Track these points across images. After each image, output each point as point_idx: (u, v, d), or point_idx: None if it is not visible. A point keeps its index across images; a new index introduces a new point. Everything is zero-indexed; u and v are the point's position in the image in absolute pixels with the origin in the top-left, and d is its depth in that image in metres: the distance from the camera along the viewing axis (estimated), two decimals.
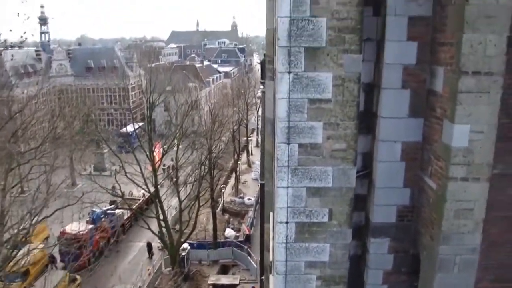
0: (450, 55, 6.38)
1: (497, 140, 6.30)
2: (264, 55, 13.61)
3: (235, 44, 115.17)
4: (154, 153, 35.18)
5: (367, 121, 7.54)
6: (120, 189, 32.10)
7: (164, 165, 40.44)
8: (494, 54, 6.08)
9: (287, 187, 6.32)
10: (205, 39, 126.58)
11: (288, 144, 6.09)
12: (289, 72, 5.82)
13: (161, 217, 31.93)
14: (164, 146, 37.28)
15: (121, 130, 61.02)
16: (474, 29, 5.98)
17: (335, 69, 5.83)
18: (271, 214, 11.73)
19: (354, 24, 5.75)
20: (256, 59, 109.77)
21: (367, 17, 7.05)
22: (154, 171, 32.00)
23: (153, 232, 32.26)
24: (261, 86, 15.22)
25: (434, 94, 6.89)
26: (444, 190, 6.45)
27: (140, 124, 58.09)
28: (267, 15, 12.16)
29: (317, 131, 6.02)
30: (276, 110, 6.07)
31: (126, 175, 30.62)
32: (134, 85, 78.45)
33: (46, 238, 38.11)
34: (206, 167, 36.29)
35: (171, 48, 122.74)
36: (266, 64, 12.85)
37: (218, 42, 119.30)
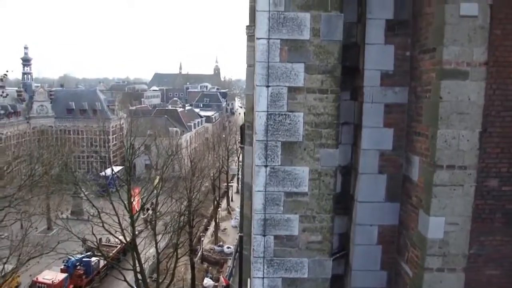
0: (425, 147, 6.49)
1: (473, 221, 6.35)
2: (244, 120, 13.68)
3: (217, 88, 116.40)
4: (133, 201, 34.67)
5: (344, 202, 7.57)
6: (96, 240, 31.37)
7: (143, 214, 39.76)
8: (467, 149, 6.22)
9: (263, 278, 6.23)
10: (188, 83, 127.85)
11: (264, 236, 6.04)
12: (266, 166, 5.83)
13: (138, 269, 31.14)
14: (144, 196, 36.74)
15: (101, 174, 60.21)
16: (448, 124, 6.13)
17: (311, 163, 5.87)
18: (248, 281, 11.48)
19: (331, 119, 5.83)
20: (238, 103, 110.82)
21: (344, 101, 7.19)
22: (132, 220, 31.41)
23: (129, 284, 31.38)
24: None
25: (410, 181, 6.95)
26: (420, 280, 6.45)
27: (120, 168, 57.43)
28: (247, 80, 12.30)
29: (293, 224, 5.99)
30: (252, 201, 6.03)
31: (103, 225, 29.94)
32: (115, 128, 78.17)
33: (17, 287, 36.80)
34: (185, 217, 35.83)
35: (153, 90, 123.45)
36: (246, 130, 12.86)
37: (201, 86, 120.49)
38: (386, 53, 6.96)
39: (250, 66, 9.44)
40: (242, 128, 14.99)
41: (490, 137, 6.73)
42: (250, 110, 11.92)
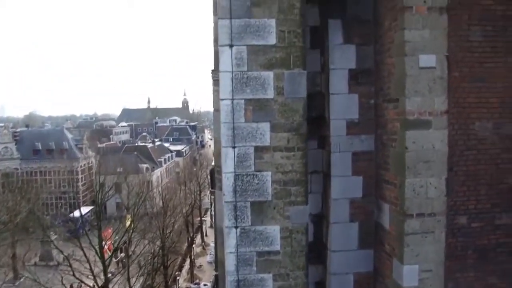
0: (394, 195, 6.52)
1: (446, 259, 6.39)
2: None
3: (187, 122, 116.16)
4: (104, 244, 33.79)
5: (317, 251, 7.50)
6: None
7: (115, 257, 38.72)
8: (435, 196, 6.28)
9: None
10: (157, 117, 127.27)
11: None
12: (236, 227, 5.73)
13: None
14: (116, 238, 35.90)
15: (70, 216, 58.72)
16: (415, 173, 6.19)
17: (282, 221, 5.80)
18: None
19: (299, 177, 5.80)
20: (207, 135, 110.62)
21: (312, 150, 7.20)
22: (104, 265, 30.56)
23: None
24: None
25: (382, 228, 6.95)
26: None
27: (90, 208, 56.23)
28: (214, 124, 12.25)
29: (267, 283, 5.87)
30: (225, 264, 5.90)
31: (73, 273, 29.03)
32: (83, 167, 76.71)
33: None
34: (159, 258, 35.11)
35: (122, 126, 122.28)
36: (216, 174, 12.73)
37: (170, 120, 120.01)
38: (351, 102, 7.04)
39: (217, 110, 9.39)
40: (212, 172, 14.90)
41: (456, 176, 6.84)
42: (218, 154, 11.85)
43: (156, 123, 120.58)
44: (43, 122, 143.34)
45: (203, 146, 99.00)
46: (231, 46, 5.56)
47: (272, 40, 5.60)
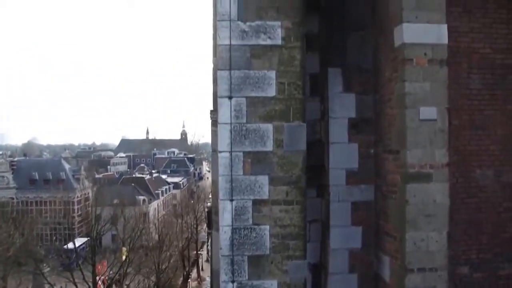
0: (394, 248, 6.38)
1: None
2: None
3: (185, 154, 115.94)
4: (98, 280, 33.21)
5: None
6: None
7: None
8: (436, 250, 6.14)
9: None
10: (155, 149, 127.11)
11: None
12: (233, 281, 5.57)
13: None
14: (110, 273, 35.31)
15: (64, 247, 57.88)
16: (416, 227, 6.07)
17: (280, 275, 5.64)
18: None
19: (297, 231, 5.67)
20: (206, 167, 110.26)
21: (311, 198, 7.09)
22: None
23: None
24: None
25: (382, 281, 6.78)
26: None
27: (85, 240, 55.48)
28: (212, 165, 12.16)
29: None
30: None
31: None
32: (80, 198, 76.13)
33: None
34: None
35: (120, 157, 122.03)
36: (213, 215, 12.56)
37: (168, 152, 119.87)
38: (350, 152, 6.97)
39: (215, 151, 9.30)
40: (209, 213, 14.74)
41: (457, 225, 6.73)
42: (214, 195, 11.72)
43: (154, 154, 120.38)
44: (41, 151, 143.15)
45: (200, 178, 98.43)
46: (230, 97, 5.52)
47: (271, 92, 5.57)
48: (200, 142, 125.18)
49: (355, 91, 6.98)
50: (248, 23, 5.57)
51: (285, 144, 5.58)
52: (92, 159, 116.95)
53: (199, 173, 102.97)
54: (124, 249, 43.74)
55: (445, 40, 6.06)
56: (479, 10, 7.49)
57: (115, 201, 63.69)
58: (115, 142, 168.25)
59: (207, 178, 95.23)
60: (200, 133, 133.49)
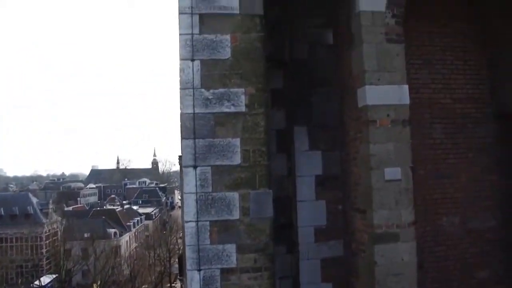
0: None
1: None
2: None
3: (156, 183, 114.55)
4: None
5: None
6: None
7: None
8: None
9: None
10: (126, 179, 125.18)
11: None
12: None
13: None
14: None
15: (31, 285, 56.07)
16: (385, 287, 6.04)
17: None
18: None
19: None
20: (177, 196, 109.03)
21: (281, 255, 7.03)
22: None
23: None
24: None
25: None
26: None
27: (54, 276, 53.90)
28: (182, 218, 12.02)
29: None
30: None
31: None
32: (48, 233, 74.01)
33: None
34: None
35: (90, 188, 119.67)
36: (184, 261, 12.38)
37: (139, 182, 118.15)
38: (318, 209, 6.99)
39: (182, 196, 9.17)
40: (180, 259, 14.51)
41: (426, 273, 6.78)
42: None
43: (125, 184, 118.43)
44: (7, 184, 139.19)
45: (173, 207, 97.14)
46: (195, 167, 5.46)
47: (237, 160, 5.53)
48: (172, 170, 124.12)
49: (321, 149, 7.03)
50: (211, 91, 5.56)
51: (251, 212, 5.52)
52: (61, 190, 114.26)
53: (171, 202, 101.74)
54: (95, 285, 42.63)
55: (406, 100, 6.17)
56: (438, 62, 7.73)
57: (85, 235, 62.22)
58: (85, 171, 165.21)
59: (179, 207, 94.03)
60: (172, 160, 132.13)
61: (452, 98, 7.81)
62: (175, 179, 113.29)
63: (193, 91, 5.51)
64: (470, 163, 7.78)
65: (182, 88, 5.53)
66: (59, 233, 70.63)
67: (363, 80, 6.08)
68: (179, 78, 5.57)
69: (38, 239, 70.79)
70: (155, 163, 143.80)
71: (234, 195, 5.50)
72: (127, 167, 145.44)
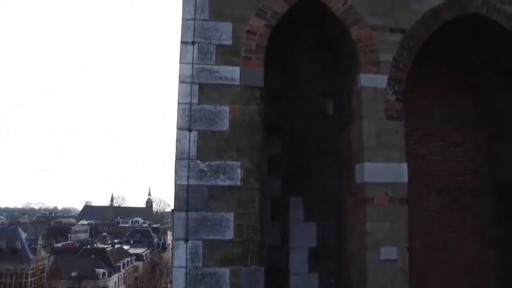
0: None
1: None
2: None
3: (149, 223, 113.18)
4: None
5: None
6: None
7: None
8: None
9: None
10: (119, 217, 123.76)
11: None
12: None
13: None
14: None
15: None
16: None
17: None
18: None
19: None
20: (170, 237, 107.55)
21: None
22: None
23: None
24: None
25: None
26: None
27: None
28: None
29: None
30: None
31: None
32: (34, 270, 72.44)
33: None
34: None
35: (82, 225, 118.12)
36: None
37: (132, 221, 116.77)
38: (311, 282, 6.77)
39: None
40: None
41: None
42: None
43: (118, 223, 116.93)
44: None
45: (164, 249, 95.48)
46: (186, 240, 5.31)
47: (229, 234, 5.39)
48: (166, 210, 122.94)
49: (317, 220, 6.87)
50: (207, 163, 5.47)
51: None
52: (52, 225, 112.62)
53: (163, 243, 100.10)
54: None
55: (405, 179, 6.09)
56: (436, 133, 7.71)
57: (73, 274, 60.94)
58: (78, 206, 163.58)
59: (172, 249, 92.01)
60: (166, 201, 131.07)
61: (450, 170, 7.76)
62: (169, 220, 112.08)
63: (189, 162, 5.43)
64: (467, 237, 7.64)
65: (177, 159, 5.45)
66: (46, 270, 69.15)
67: (362, 157, 6.01)
68: (175, 148, 5.49)
69: (24, 276, 69.23)
70: (149, 202, 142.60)
71: (225, 271, 5.34)
72: (121, 205, 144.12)
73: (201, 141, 5.48)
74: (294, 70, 7.05)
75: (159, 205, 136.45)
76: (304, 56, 7.03)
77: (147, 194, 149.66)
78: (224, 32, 5.79)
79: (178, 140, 5.46)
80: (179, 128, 5.50)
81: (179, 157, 5.45)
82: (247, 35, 5.84)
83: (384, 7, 6.42)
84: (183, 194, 5.37)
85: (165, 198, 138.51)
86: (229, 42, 5.77)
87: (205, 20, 5.78)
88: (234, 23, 5.85)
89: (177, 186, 5.40)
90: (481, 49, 7.64)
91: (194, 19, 5.75)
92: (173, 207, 5.72)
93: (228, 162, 5.49)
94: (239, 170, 5.49)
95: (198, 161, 5.45)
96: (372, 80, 6.12)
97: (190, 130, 5.49)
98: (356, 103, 6.24)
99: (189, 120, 5.50)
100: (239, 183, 5.48)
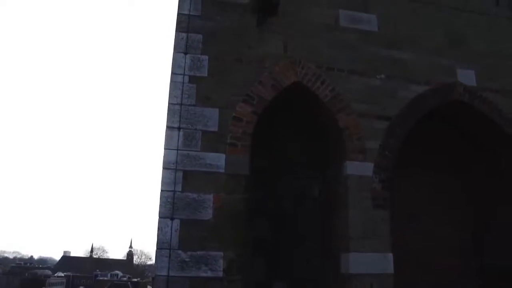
0: None
1: None
2: None
3: (129, 277, 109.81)
4: None
5: None
6: None
7: None
8: None
9: None
10: (97, 270, 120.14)
11: None
12: None
13: None
14: None
15: None
16: None
17: None
18: None
19: None
20: None
21: None
22: None
23: None
24: None
25: None
26: None
27: None
28: None
29: None
30: None
31: None
32: None
33: None
34: None
35: (58, 277, 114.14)
36: None
37: (111, 274, 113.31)
38: None
39: None
40: None
41: None
42: None
43: (96, 276, 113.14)
44: None
45: None
46: None
47: None
48: (147, 263, 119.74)
49: None
50: (189, 253, 5.30)
51: None
52: (26, 276, 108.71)
53: None
54: None
55: (391, 269, 5.95)
56: (424, 213, 7.64)
57: None
58: (56, 257, 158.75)
59: None
60: (147, 253, 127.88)
61: (437, 250, 7.64)
62: (149, 274, 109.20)
63: (170, 252, 5.25)
64: None
65: (158, 248, 5.27)
66: None
67: (348, 247, 5.89)
68: (156, 237, 5.31)
69: None
70: (130, 255, 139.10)
71: None
72: (101, 257, 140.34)
73: (183, 230, 5.32)
74: (280, 152, 7.02)
75: (140, 258, 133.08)
76: (291, 139, 7.02)
77: (128, 246, 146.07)
78: (211, 118, 5.77)
79: (160, 229, 5.30)
80: (161, 217, 5.35)
81: (160, 246, 5.26)
82: (233, 121, 5.82)
83: (371, 94, 6.50)
84: (163, 286, 5.15)
85: (146, 250, 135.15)
86: (215, 129, 5.73)
87: (192, 105, 5.76)
88: (221, 109, 5.84)
89: (157, 278, 5.19)
90: (464, 132, 7.75)
91: (181, 104, 5.73)
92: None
93: (210, 253, 5.32)
94: (221, 261, 5.32)
95: (180, 251, 5.28)
96: (358, 168, 6.09)
97: (172, 219, 5.34)
98: (342, 190, 6.18)
99: (172, 208, 5.36)
100: (221, 274, 5.29)
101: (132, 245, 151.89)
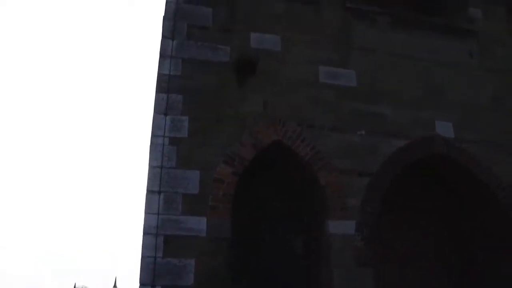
0: None
1: None
2: None
3: None
4: None
5: None
6: None
7: None
8: None
9: None
10: None
11: None
12: None
13: None
14: None
15: None
16: None
17: None
18: None
19: None
20: None
21: None
22: None
23: None
24: None
25: None
26: None
27: None
28: None
29: None
30: None
31: None
32: None
33: None
34: None
35: None
36: None
37: None
38: None
39: None
40: None
41: None
42: None
43: None
44: None
45: None
46: None
47: None
48: None
49: None
50: None
51: None
52: None
53: None
54: None
55: None
56: (408, 265, 7.57)
57: None
58: None
59: None
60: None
61: None
62: None
63: None
64: None
65: None
66: None
67: None
68: None
69: None
70: None
71: None
72: None
73: None
74: (263, 209, 6.97)
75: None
76: (273, 197, 7.00)
77: (113, 285, 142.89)
78: (191, 180, 5.74)
79: None
80: (142, 283, 5.25)
81: None
82: (214, 183, 5.79)
83: (352, 150, 6.54)
84: None
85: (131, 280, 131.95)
86: (196, 191, 5.70)
87: (173, 168, 5.74)
88: (201, 171, 5.82)
89: None
90: (445, 182, 7.78)
91: (161, 167, 5.70)
92: None
93: None
94: None
95: None
96: (341, 227, 6.07)
97: (153, 286, 5.24)
98: (325, 248, 6.13)
99: (152, 275, 5.26)
100: None
101: (117, 285, 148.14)
